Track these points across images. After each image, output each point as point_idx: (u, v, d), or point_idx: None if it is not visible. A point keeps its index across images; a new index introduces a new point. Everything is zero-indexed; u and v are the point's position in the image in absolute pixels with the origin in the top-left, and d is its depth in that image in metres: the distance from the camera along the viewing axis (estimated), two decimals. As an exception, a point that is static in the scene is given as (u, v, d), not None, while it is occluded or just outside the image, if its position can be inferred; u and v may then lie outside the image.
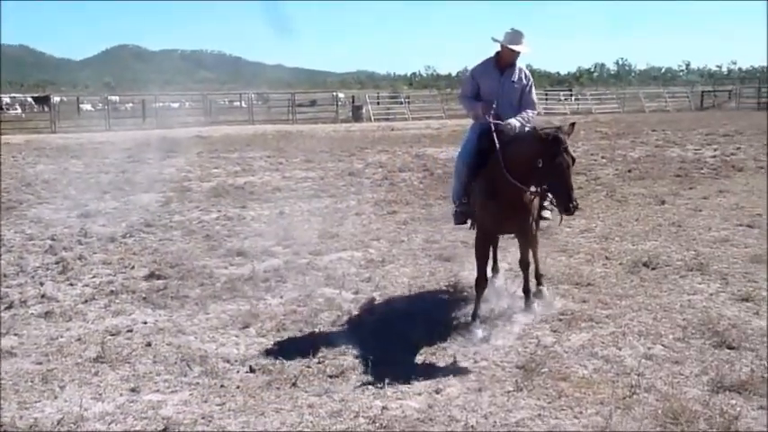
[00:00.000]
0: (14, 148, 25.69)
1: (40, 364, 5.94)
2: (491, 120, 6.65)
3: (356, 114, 44.55)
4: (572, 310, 7.01)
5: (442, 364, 5.84)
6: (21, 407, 5.14)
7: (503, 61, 6.89)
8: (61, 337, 6.57)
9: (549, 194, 6.33)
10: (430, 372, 5.67)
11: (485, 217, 6.78)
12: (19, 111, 51.30)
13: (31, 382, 5.56)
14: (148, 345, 6.32)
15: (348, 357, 5.96)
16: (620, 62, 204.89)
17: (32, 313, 7.24)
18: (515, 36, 6.74)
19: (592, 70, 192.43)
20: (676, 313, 6.92)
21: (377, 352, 6.02)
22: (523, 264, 7.11)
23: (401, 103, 51.96)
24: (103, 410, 5.09)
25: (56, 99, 51.01)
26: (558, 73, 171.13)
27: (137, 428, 4.87)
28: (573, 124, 6.21)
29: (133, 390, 5.42)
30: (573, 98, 59.57)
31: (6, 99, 55.25)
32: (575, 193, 5.88)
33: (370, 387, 5.38)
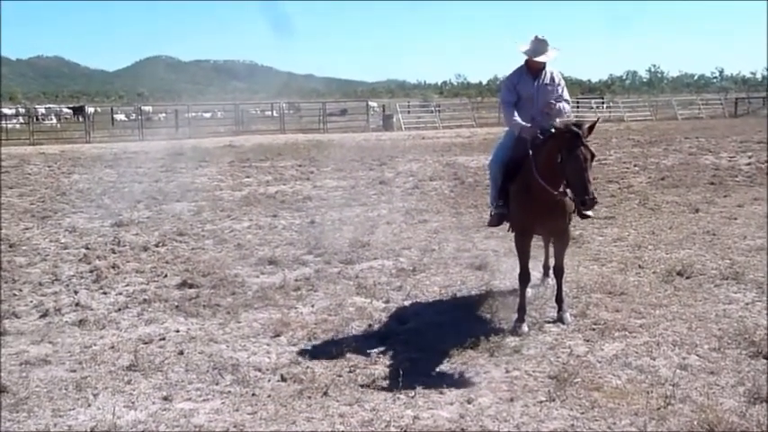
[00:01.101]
0: (50, 158, 26.09)
1: (74, 371, 5.99)
2: (531, 134, 6.79)
3: (387, 123, 44.58)
4: (605, 320, 6.93)
5: (473, 373, 5.80)
6: (54, 414, 5.19)
7: (533, 68, 7.11)
8: (95, 345, 6.64)
9: (568, 190, 6.42)
10: (461, 381, 5.64)
11: (520, 218, 7.02)
12: (54, 121, 52.11)
13: (65, 389, 5.61)
14: (181, 353, 6.35)
15: (379, 366, 5.94)
16: (653, 69, 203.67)
17: (66, 321, 7.32)
18: (539, 46, 6.99)
19: (624, 78, 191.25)
20: (711, 323, 6.81)
21: (408, 361, 6.02)
22: (558, 271, 7.21)
23: (431, 111, 51.94)
24: (136, 419, 5.11)
25: (90, 109, 51.88)
26: (589, 80, 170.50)
27: (169, 437, 4.89)
28: (594, 123, 6.44)
29: (165, 398, 5.44)
30: (605, 106, 59.22)
31: (42, 110, 56.20)
32: (592, 187, 6.05)
33: (401, 396, 5.36)
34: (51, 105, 66.74)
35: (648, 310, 7.24)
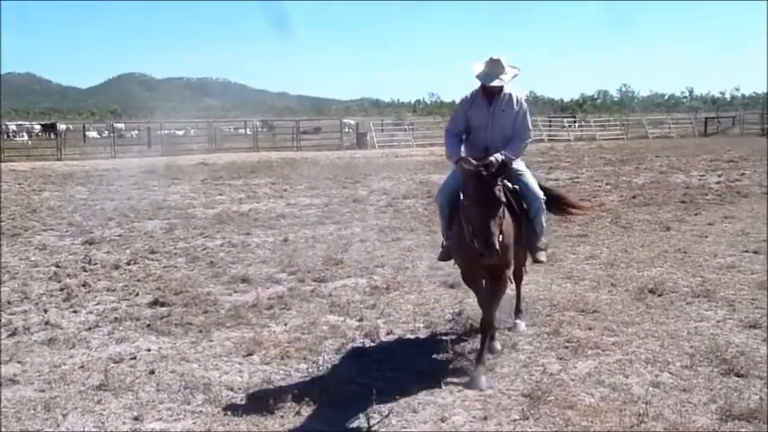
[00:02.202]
0: (20, 176, 25.83)
1: (43, 391, 5.89)
2: (468, 167, 5.77)
3: (360, 141, 44.71)
4: (578, 338, 6.96)
5: (447, 392, 5.78)
6: (23, 435, 5.10)
7: (488, 91, 6.45)
8: (64, 364, 6.53)
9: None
10: (435, 400, 5.62)
11: (456, 258, 6.53)
12: (25, 138, 51.63)
13: (34, 410, 5.51)
14: (152, 372, 6.27)
15: (352, 386, 5.90)
16: (623, 89, 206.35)
17: (36, 340, 7.21)
18: (493, 68, 6.32)
19: (595, 97, 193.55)
20: (683, 340, 6.86)
21: (381, 380, 5.99)
22: (482, 324, 6.28)
23: (405, 130, 52.12)
24: (106, 439, 5.04)
25: (62, 126, 51.56)
26: (561, 100, 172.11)
27: (139, 457, 4.82)
28: (501, 165, 5.80)
29: (136, 418, 5.37)
30: (576, 125, 59.95)
31: (13, 126, 55.64)
32: (492, 237, 5.38)
33: (374, 416, 5.33)
34: (23, 122, 66.11)
35: (621, 327, 7.27)
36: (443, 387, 5.86)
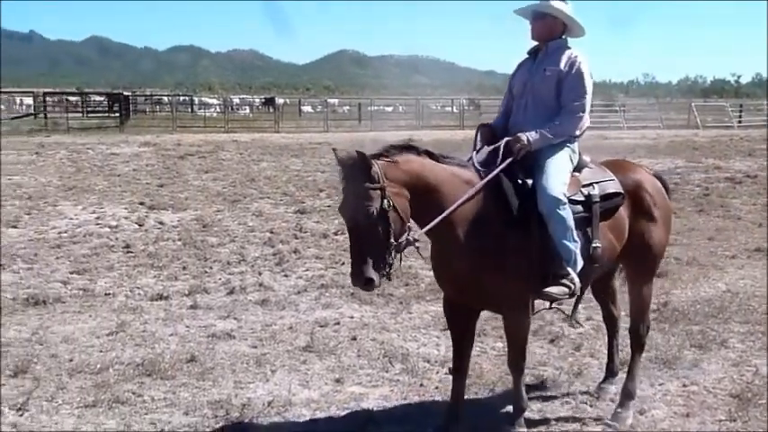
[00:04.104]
0: (242, 146, 27.55)
1: (255, 348, 6.34)
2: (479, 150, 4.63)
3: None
4: (797, 340, 6.46)
5: (647, 384, 5.57)
6: (236, 386, 5.52)
7: (537, 40, 4.83)
8: (275, 324, 6.98)
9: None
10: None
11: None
12: (247, 111, 54.87)
13: (246, 364, 5.95)
14: (354, 339, 6.56)
15: (549, 369, 5.84)
16: None
17: (250, 300, 7.75)
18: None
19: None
20: None
21: (577, 365, 5.90)
22: (509, 362, 4.81)
23: (616, 111, 50.18)
24: (309, 397, 5.34)
25: (280, 101, 54.25)
26: None
27: (340, 418, 5.06)
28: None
29: (337, 380, 5.64)
30: None
31: (236, 100, 59.33)
32: (358, 264, 3.99)
33: (569, 400, 5.27)
34: (245, 96, 70.38)
35: None
36: (644, 379, 5.64)
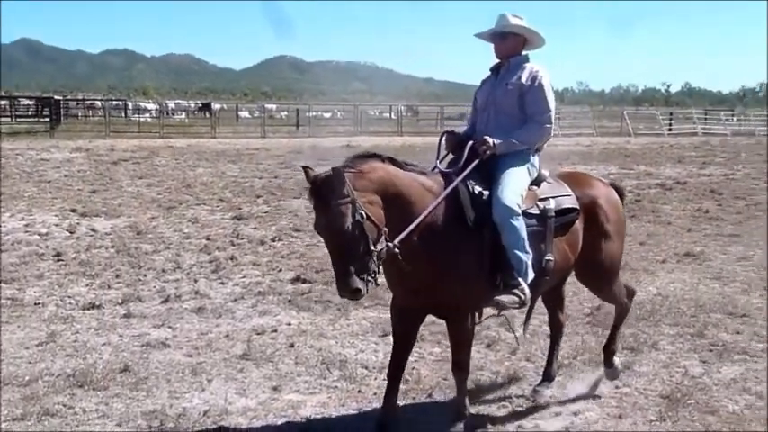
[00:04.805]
0: (177, 152, 27.18)
1: (191, 356, 6.24)
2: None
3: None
4: (724, 341, 6.65)
5: (580, 387, 5.67)
6: (171, 396, 5.42)
7: (499, 58, 5.07)
8: (211, 332, 6.88)
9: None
10: (568, 394, 5.53)
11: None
12: (183, 116, 54.24)
13: (182, 373, 5.85)
14: (291, 346, 6.51)
15: (485, 373, 5.90)
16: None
17: (186, 308, 7.63)
18: (499, 21, 4.99)
19: (757, 90, 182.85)
20: (842, 352, 6.42)
21: (514, 368, 5.96)
22: (453, 368, 4.86)
23: (551, 118, 50.95)
24: (246, 406, 5.28)
25: (216, 106, 53.78)
26: (719, 92, 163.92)
27: (277, 426, 5.02)
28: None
29: (275, 388, 5.59)
30: (735, 119, 56.77)
31: (172, 105, 58.60)
32: (343, 275, 4.05)
33: (506, 404, 5.33)
34: (181, 101, 69.62)
35: (772, 334, 6.89)
36: (576, 381, 5.75)
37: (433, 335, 6.49)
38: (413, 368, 5.94)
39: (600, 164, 23.87)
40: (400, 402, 5.32)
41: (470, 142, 4.78)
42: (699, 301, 7.88)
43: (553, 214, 4.77)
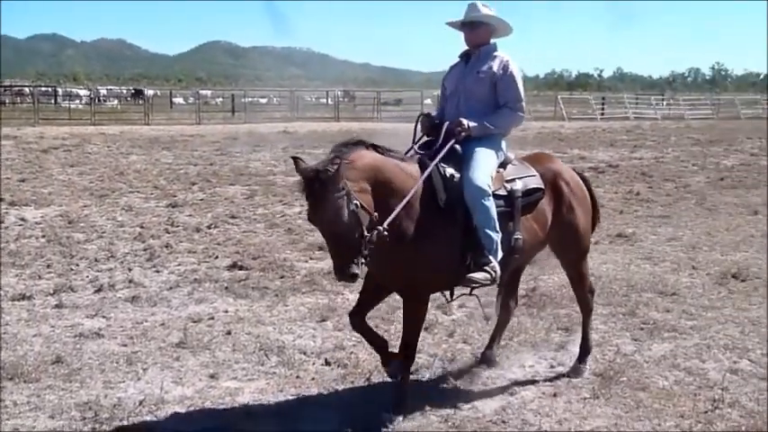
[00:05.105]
0: (110, 139, 26.59)
1: (125, 346, 6.14)
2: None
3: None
4: (654, 320, 6.84)
5: (516, 367, 5.77)
6: (105, 386, 5.32)
7: (469, 46, 5.24)
8: (146, 321, 6.78)
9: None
10: (504, 374, 5.62)
11: None
12: (115, 103, 53.09)
13: (116, 363, 5.75)
14: (228, 333, 6.45)
15: (422, 356, 5.94)
16: (716, 67, 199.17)
17: (120, 297, 7.49)
18: (470, 11, 5.16)
19: (686, 75, 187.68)
20: (765, 328, 6.65)
21: (451, 351, 6.03)
22: (400, 351, 5.03)
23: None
24: (183, 394, 5.22)
25: (149, 92, 52.76)
26: (650, 77, 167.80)
27: (215, 414, 4.98)
28: (338, 167, 4.17)
29: (212, 376, 5.54)
30: (665, 103, 58.14)
31: (103, 91, 57.29)
32: (338, 260, 4.28)
33: (444, 386, 5.37)
34: (113, 87, 68.07)
35: (700, 311, 7.11)
36: (513, 362, 5.84)
37: (371, 319, 6.50)
38: (351, 352, 5.97)
39: (535, 148, 23.94)
40: (338, 387, 5.36)
41: (447, 123, 4.97)
42: (630, 281, 8.07)
43: (520, 195, 4.96)
